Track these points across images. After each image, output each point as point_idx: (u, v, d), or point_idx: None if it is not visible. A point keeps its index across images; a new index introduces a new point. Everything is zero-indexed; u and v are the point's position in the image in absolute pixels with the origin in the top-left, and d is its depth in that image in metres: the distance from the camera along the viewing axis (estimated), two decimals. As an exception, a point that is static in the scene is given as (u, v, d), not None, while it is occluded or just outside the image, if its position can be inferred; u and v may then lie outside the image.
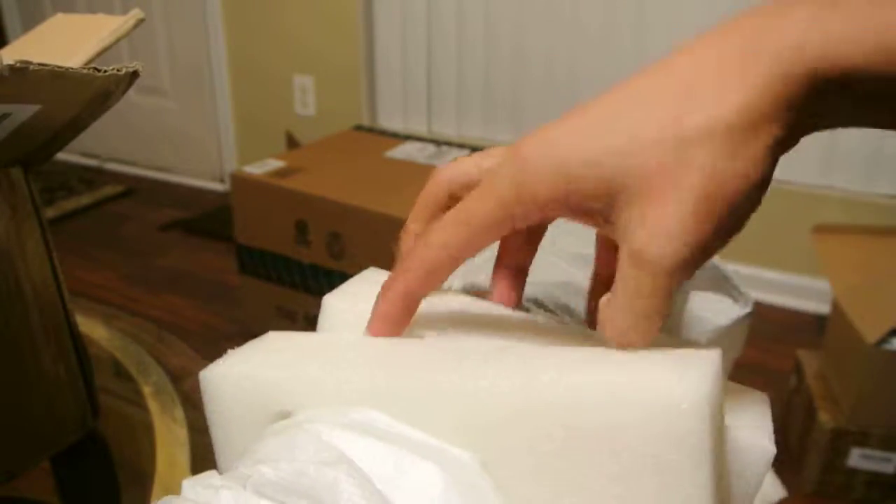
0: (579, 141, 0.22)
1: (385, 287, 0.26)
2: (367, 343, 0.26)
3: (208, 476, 0.22)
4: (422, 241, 0.25)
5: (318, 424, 0.23)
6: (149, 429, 0.49)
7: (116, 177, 2.59)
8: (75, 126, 0.40)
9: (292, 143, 2.24)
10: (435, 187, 0.27)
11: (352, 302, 0.28)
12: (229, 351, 0.27)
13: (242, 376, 0.26)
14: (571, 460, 0.21)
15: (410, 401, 0.23)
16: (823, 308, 1.40)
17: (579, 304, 0.33)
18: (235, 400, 0.26)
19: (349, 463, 0.22)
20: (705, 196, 0.20)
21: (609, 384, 0.21)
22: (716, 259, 0.38)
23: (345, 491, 0.21)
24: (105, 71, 0.35)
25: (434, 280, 0.25)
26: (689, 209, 0.20)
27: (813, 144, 1.67)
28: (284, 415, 0.25)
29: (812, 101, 0.20)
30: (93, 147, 2.68)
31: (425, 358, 0.25)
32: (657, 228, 0.20)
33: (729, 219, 0.21)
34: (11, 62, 0.30)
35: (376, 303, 0.26)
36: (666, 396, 0.20)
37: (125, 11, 0.42)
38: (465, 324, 0.27)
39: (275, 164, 1.54)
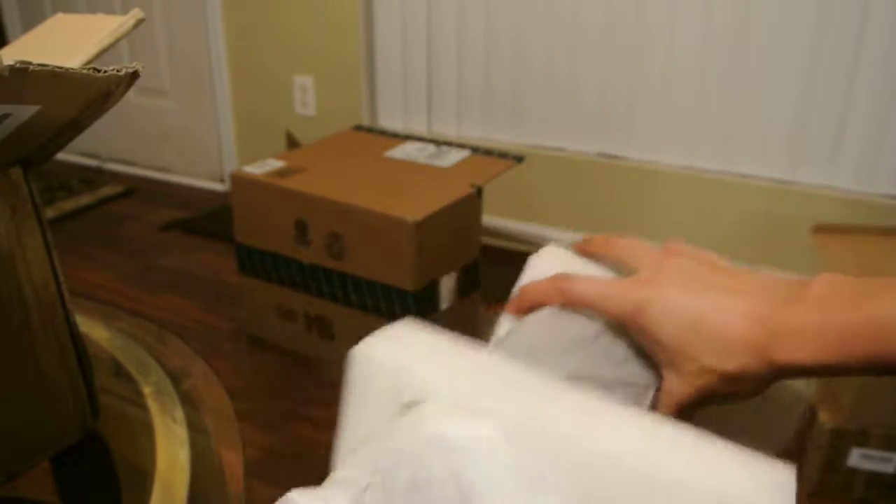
0: (673, 327, 0.34)
1: (548, 283, 0.38)
2: (498, 365, 0.32)
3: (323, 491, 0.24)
4: (574, 285, 0.37)
5: (449, 430, 0.27)
6: (149, 429, 0.49)
7: (116, 177, 2.59)
8: (75, 126, 0.40)
9: (292, 143, 2.24)
10: (570, 289, 0.38)
11: (554, 266, 0.38)
12: (379, 333, 0.32)
13: (383, 364, 0.30)
14: None
15: (530, 440, 0.27)
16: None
17: None
18: (373, 381, 0.30)
19: (476, 475, 0.26)
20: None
21: (715, 486, 0.26)
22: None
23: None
24: (105, 71, 0.35)
25: (569, 305, 0.38)
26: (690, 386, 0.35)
27: (813, 145, 1.67)
28: (412, 404, 0.29)
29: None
30: (93, 147, 2.68)
31: (547, 397, 0.29)
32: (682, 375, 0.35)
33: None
34: (11, 62, 0.30)
35: (538, 286, 0.38)
36: None
37: (125, 11, 0.43)
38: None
39: (275, 164, 1.54)
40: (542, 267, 0.39)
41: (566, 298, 0.37)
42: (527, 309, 0.38)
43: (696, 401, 0.35)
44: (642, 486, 0.26)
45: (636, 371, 0.36)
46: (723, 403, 0.35)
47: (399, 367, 0.30)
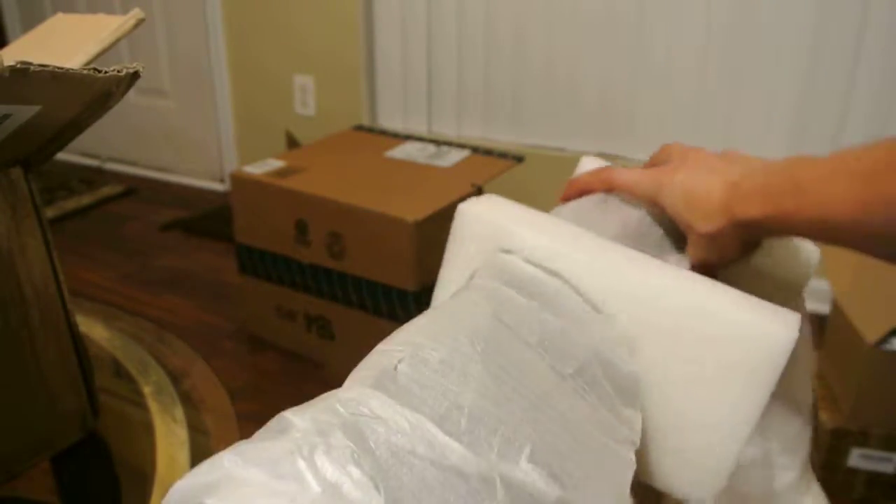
0: (679, 193, 0.43)
1: (593, 174, 0.48)
2: (568, 225, 0.41)
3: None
4: (615, 173, 0.46)
5: (528, 270, 0.37)
6: (149, 429, 0.49)
7: (116, 177, 2.59)
8: (76, 126, 0.40)
9: (292, 143, 2.24)
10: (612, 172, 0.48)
11: (597, 166, 0.49)
12: (479, 198, 0.42)
13: (480, 218, 0.40)
14: (694, 346, 0.35)
15: (596, 279, 0.37)
16: (823, 308, 1.40)
17: None
18: (475, 233, 0.40)
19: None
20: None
21: (730, 313, 0.35)
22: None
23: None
24: (105, 71, 0.35)
25: (610, 189, 0.47)
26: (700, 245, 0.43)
27: (813, 145, 1.67)
28: (502, 250, 0.38)
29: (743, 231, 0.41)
30: (93, 147, 2.68)
31: (608, 249, 0.38)
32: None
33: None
34: (12, 63, 0.30)
35: (585, 176, 0.48)
36: (774, 336, 0.34)
37: (125, 11, 0.43)
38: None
39: (275, 164, 1.54)
40: (588, 166, 0.50)
41: (608, 185, 0.46)
42: (575, 196, 0.47)
43: (703, 267, 0.42)
44: (677, 313, 0.35)
45: (670, 251, 0.44)
46: (724, 268, 0.42)
47: (493, 220, 0.40)
